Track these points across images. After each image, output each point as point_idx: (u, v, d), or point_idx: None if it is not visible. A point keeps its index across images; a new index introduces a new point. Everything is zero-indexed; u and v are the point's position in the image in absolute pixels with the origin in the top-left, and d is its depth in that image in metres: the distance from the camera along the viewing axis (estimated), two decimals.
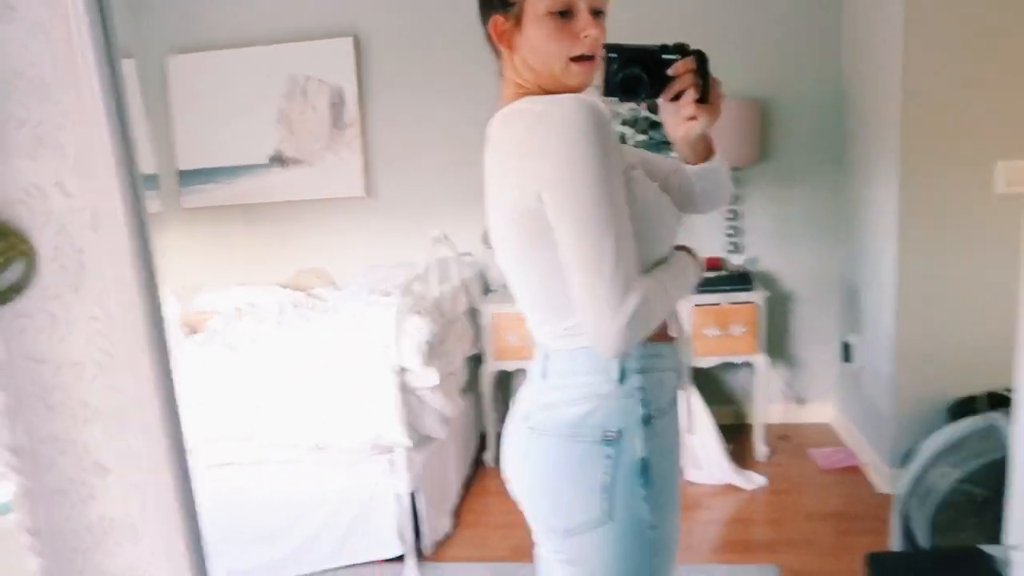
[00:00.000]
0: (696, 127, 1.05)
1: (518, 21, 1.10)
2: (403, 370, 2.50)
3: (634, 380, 1.09)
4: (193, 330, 3.04)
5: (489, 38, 1.14)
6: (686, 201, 1.22)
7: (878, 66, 2.90)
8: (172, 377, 0.75)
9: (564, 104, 0.99)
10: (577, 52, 1.07)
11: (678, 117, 1.07)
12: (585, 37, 1.07)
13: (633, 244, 1.00)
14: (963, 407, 2.67)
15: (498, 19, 1.11)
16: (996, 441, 2.18)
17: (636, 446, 1.09)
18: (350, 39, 3.61)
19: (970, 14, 2.57)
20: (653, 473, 1.09)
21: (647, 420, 1.09)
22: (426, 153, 3.64)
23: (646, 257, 1.05)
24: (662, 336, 1.14)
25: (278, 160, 3.73)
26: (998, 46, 2.56)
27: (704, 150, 1.13)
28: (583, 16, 1.06)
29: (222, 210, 3.83)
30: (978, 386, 2.66)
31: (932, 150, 2.68)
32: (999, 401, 2.58)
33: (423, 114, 3.63)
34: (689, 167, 1.16)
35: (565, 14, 1.07)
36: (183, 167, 3.79)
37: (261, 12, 3.68)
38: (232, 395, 2.50)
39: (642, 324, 1.00)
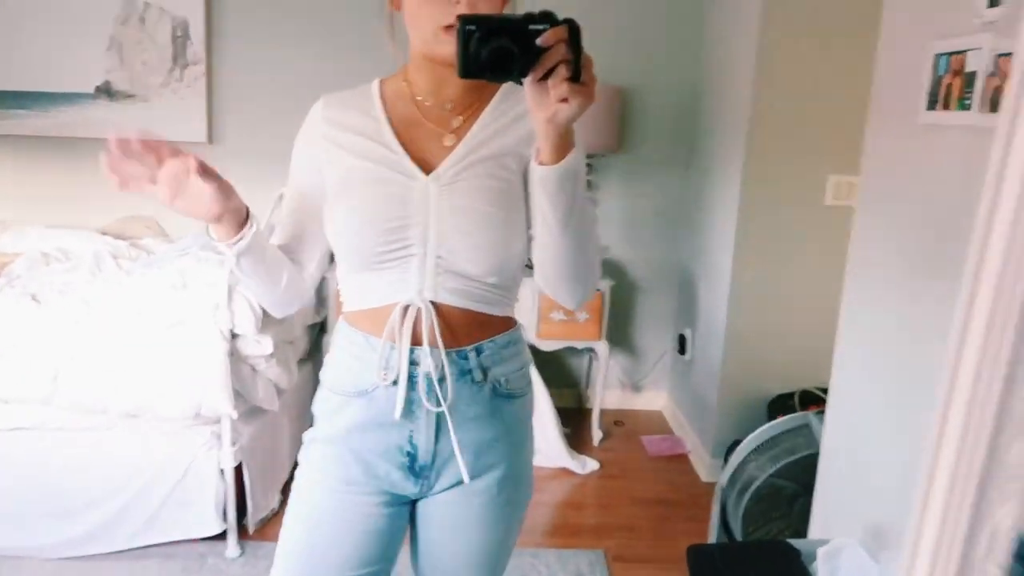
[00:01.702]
0: (567, 110, 0.88)
1: None
2: (234, 335, 2.32)
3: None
4: None
5: None
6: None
7: (733, 69, 3.02)
8: None
9: None
10: (447, 21, 0.99)
11: (546, 99, 0.89)
12: (456, 3, 0.99)
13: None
14: (779, 404, 2.85)
15: None
16: (807, 438, 2.34)
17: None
18: None
19: (817, 38, 2.73)
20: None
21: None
22: (278, 100, 3.37)
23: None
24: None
25: (106, 92, 3.33)
26: (841, 69, 2.73)
27: (567, 144, 0.96)
28: None
29: (36, 141, 3.38)
30: (797, 384, 2.85)
31: (773, 158, 2.83)
32: (811, 399, 2.79)
33: (278, 58, 3.36)
34: (539, 170, 0.97)
35: None
36: None
37: None
38: (31, 351, 2.21)
39: None
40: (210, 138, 3.42)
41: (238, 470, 2.38)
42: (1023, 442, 0.49)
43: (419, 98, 1.13)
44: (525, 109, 1.11)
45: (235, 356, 2.33)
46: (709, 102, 3.31)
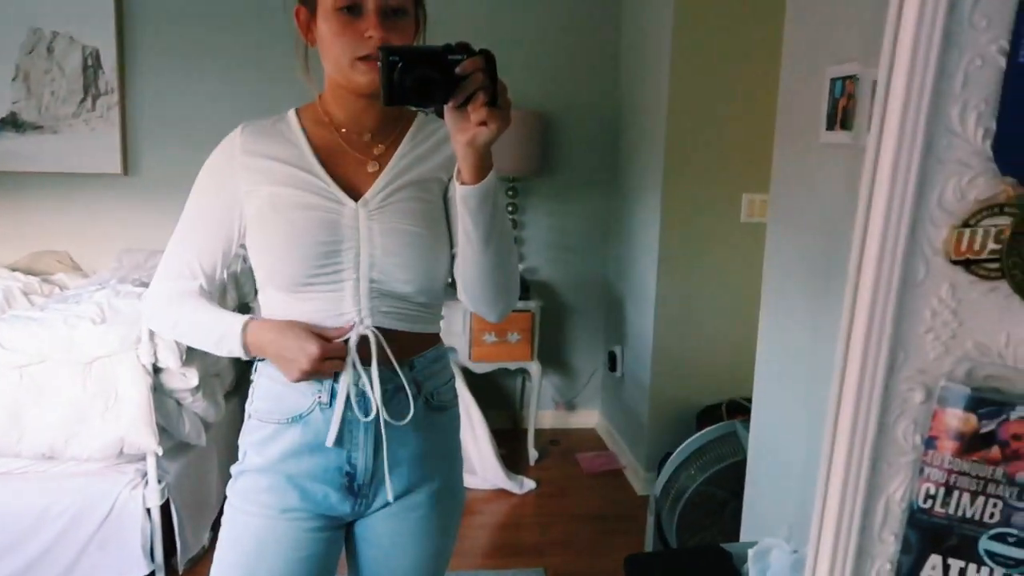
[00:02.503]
0: (486, 133, 0.95)
1: (313, 13, 1.09)
2: (158, 369, 2.25)
3: None
4: None
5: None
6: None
7: (648, 92, 3.13)
8: None
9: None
10: (361, 52, 1.05)
11: (465, 123, 0.96)
12: (368, 37, 1.04)
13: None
14: (708, 415, 2.94)
15: (300, 8, 1.11)
16: (735, 445, 2.42)
17: None
18: None
19: (726, 62, 2.87)
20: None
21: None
22: (195, 130, 3.30)
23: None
24: None
25: (12, 123, 3.22)
26: (751, 91, 2.87)
27: (485, 166, 1.01)
28: (369, 15, 1.04)
29: None
30: (724, 395, 2.94)
31: (690, 178, 2.95)
32: (738, 409, 2.89)
33: (194, 87, 3.31)
34: (462, 190, 1.02)
35: (352, 9, 1.05)
36: None
37: None
38: None
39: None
40: (125, 169, 3.33)
41: (165, 508, 2.30)
42: (908, 419, 0.53)
43: (338, 126, 1.15)
44: (441, 138, 1.17)
45: (159, 390, 2.26)
46: (628, 125, 3.42)
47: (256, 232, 1.12)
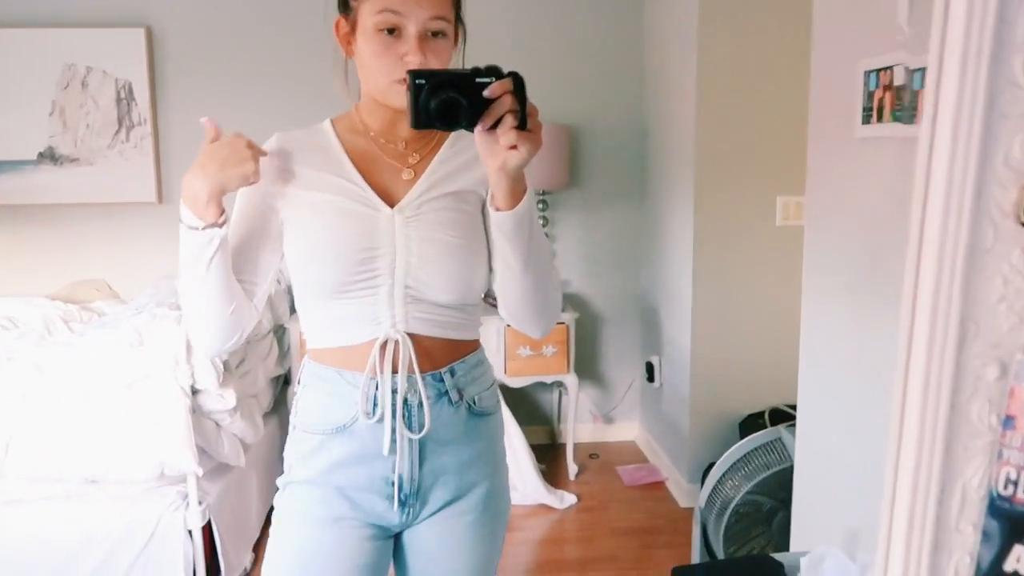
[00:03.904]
0: (517, 157, 0.93)
1: (353, 28, 1.09)
2: (196, 391, 2.26)
3: None
4: None
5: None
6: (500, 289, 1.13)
7: (675, 99, 3.10)
8: None
9: None
10: (400, 75, 1.03)
11: (495, 148, 0.94)
12: (408, 62, 1.04)
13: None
14: (751, 423, 2.87)
15: (340, 20, 1.12)
16: (781, 453, 2.35)
17: None
18: (142, 30, 3.28)
19: (754, 65, 2.83)
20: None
21: None
22: None
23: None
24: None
25: (49, 157, 3.29)
26: (780, 91, 2.82)
27: (519, 190, 1.00)
28: (409, 39, 1.05)
29: None
30: (765, 403, 2.87)
31: (722, 183, 2.90)
32: (782, 416, 2.81)
33: (223, 114, 3.34)
34: (496, 216, 1.01)
35: (393, 31, 1.05)
36: None
37: None
38: None
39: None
40: (160, 198, 3.38)
41: (207, 529, 2.30)
42: (982, 398, 0.49)
43: (373, 135, 1.15)
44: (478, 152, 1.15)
45: (198, 412, 2.27)
46: (657, 132, 3.39)
47: (295, 237, 1.12)
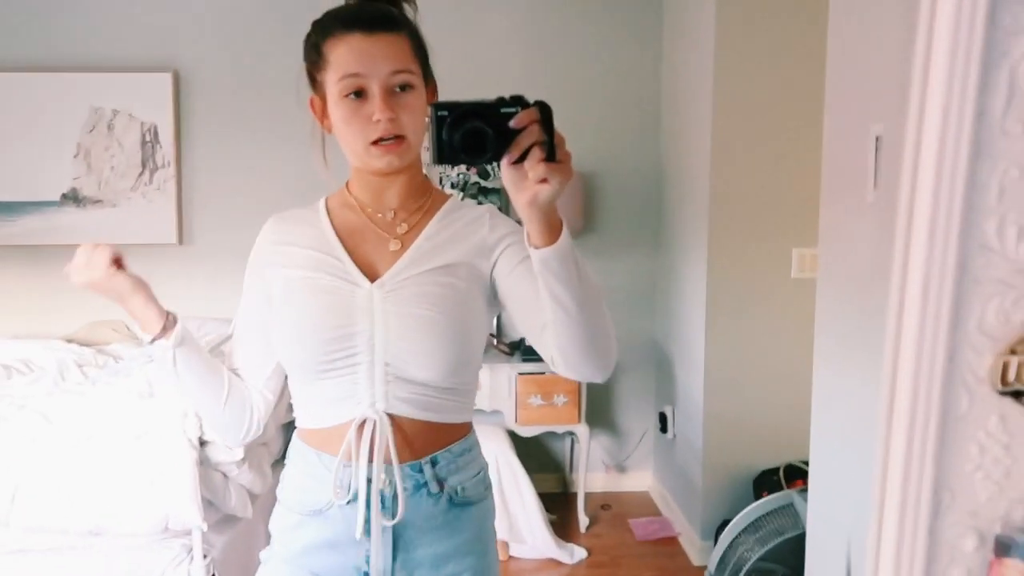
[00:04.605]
0: (547, 191, 0.86)
1: (324, 103, 1.09)
2: (203, 443, 2.26)
3: None
4: None
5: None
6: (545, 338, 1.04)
7: (691, 150, 3.09)
8: None
9: None
10: (373, 136, 1.03)
11: (525, 182, 0.87)
12: (377, 121, 1.03)
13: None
14: (765, 480, 2.81)
15: (313, 98, 1.12)
16: (793, 518, 2.29)
17: None
18: (168, 74, 3.35)
19: (769, 115, 2.81)
20: None
21: None
22: (248, 199, 3.39)
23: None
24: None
25: (72, 198, 3.35)
26: (796, 142, 2.80)
27: (554, 223, 0.92)
28: (374, 99, 1.03)
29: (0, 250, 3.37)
30: (780, 458, 2.81)
31: (737, 233, 2.87)
32: (795, 473, 2.74)
33: (246, 158, 3.41)
34: (538, 255, 0.93)
35: (359, 94, 1.04)
36: None
37: (68, 36, 3.33)
38: None
39: None
40: (180, 239, 3.42)
41: None
42: (960, 569, 0.47)
43: (361, 206, 1.14)
44: (473, 219, 1.13)
45: (205, 464, 2.26)
46: (672, 181, 3.38)
47: (278, 317, 1.12)
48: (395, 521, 1.07)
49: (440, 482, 1.11)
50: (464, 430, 1.16)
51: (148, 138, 3.39)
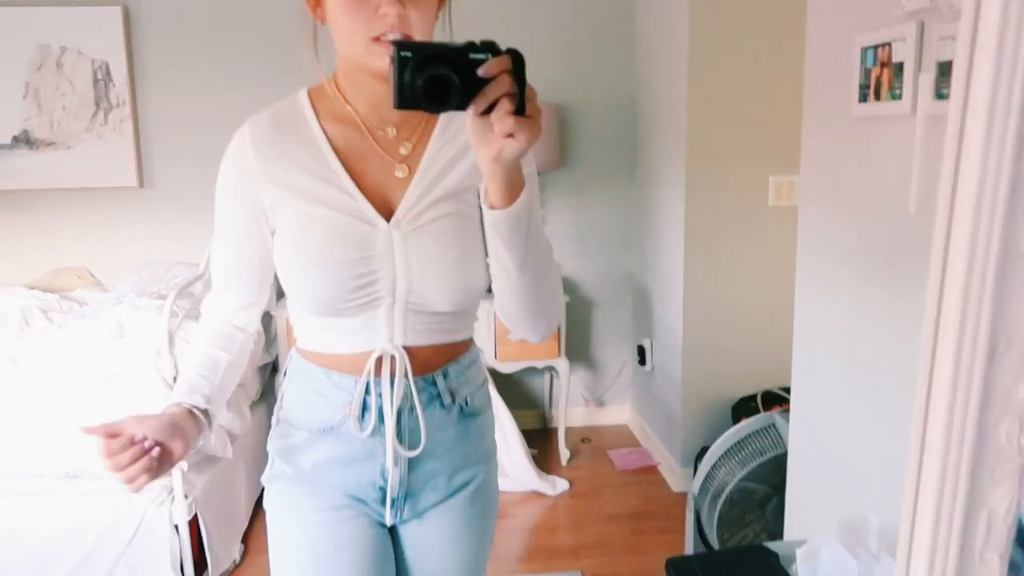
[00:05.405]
0: (513, 146, 0.80)
1: None
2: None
3: None
4: None
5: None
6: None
7: (667, 78, 3.03)
8: None
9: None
10: (377, 31, 0.93)
11: (490, 135, 0.81)
12: (384, 15, 0.92)
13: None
14: (743, 406, 2.84)
15: None
16: (774, 438, 2.32)
17: None
18: (118, 8, 3.18)
19: (746, 44, 2.77)
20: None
21: None
22: (209, 138, 3.23)
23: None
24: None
25: (24, 141, 3.20)
26: (773, 69, 2.76)
27: (515, 183, 0.87)
28: None
29: None
30: (758, 386, 2.84)
31: (714, 162, 2.85)
32: (774, 400, 2.78)
33: (205, 95, 3.27)
34: (491, 215, 0.88)
35: None
36: None
37: None
38: None
39: None
40: (141, 182, 3.30)
41: (193, 523, 2.26)
42: (1012, 418, 0.45)
43: (361, 120, 1.05)
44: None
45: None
46: (647, 112, 3.33)
47: (286, 254, 1.03)
48: (418, 451, 1.07)
49: (452, 394, 1.11)
50: (469, 344, 1.16)
51: (100, 76, 3.23)
